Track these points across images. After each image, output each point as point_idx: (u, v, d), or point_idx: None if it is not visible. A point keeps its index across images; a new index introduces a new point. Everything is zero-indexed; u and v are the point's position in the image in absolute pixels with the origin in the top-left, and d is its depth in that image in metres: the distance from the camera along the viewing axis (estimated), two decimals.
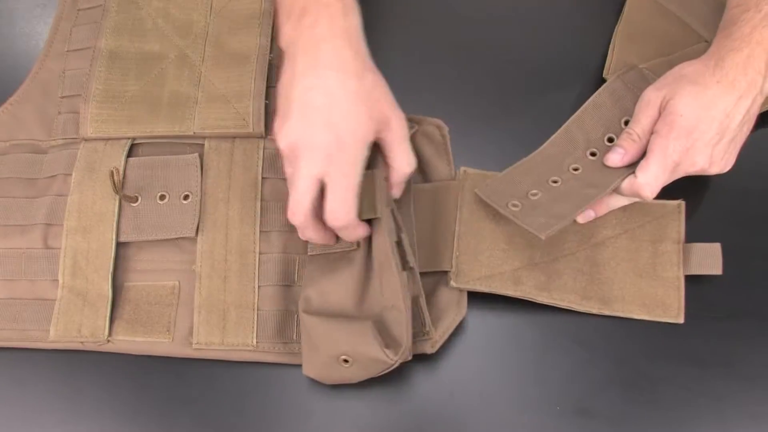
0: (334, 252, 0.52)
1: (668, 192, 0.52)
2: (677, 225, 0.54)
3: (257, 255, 0.54)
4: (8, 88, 0.65)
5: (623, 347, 0.52)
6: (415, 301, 0.49)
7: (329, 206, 0.48)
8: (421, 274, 0.52)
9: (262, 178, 0.56)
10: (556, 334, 0.53)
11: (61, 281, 0.54)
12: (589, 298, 0.52)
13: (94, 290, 0.54)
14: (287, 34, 0.51)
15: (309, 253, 0.53)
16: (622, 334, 0.53)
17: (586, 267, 0.53)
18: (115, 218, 0.55)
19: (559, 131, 0.57)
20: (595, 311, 0.52)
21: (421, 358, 0.52)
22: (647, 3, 0.62)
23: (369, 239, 0.51)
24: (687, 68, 0.52)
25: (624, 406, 0.51)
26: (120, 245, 0.55)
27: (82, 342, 0.53)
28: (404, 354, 0.48)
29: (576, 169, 0.55)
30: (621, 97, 0.57)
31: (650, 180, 0.50)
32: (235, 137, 0.58)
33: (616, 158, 0.53)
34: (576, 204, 0.52)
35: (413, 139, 0.56)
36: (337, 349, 0.48)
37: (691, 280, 0.53)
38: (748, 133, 0.53)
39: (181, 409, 0.52)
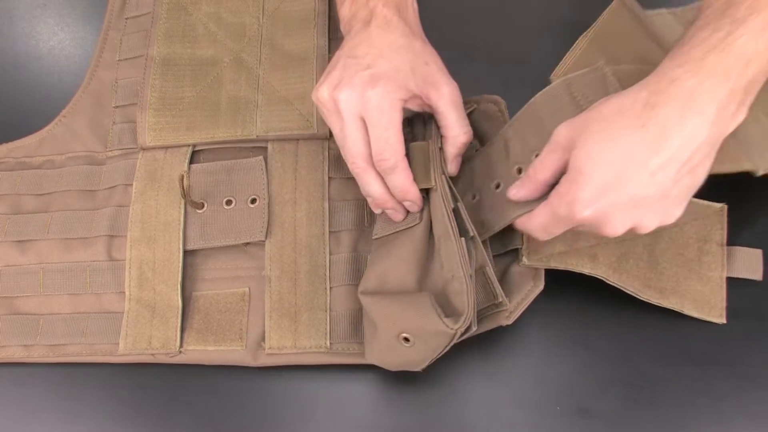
0: (397, 231, 0.51)
1: (712, 194, 0.51)
2: (720, 228, 0.54)
3: (327, 255, 0.54)
4: (9, 88, 0.66)
5: (623, 347, 0.52)
6: (481, 271, 0.48)
7: (374, 147, 0.48)
8: (496, 256, 0.51)
9: (329, 178, 0.56)
10: (556, 334, 0.53)
11: (127, 293, 0.54)
12: (649, 287, 0.52)
13: (163, 301, 0.53)
14: (344, 14, 0.52)
15: (373, 237, 0.52)
16: (622, 334, 0.53)
17: (645, 255, 0.52)
18: (181, 226, 0.54)
19: (500, 132, 0.50)
20: (654, 301, 0.52)
21: None
22: (627, 17, 0.55)
23: (429, 210, 0.50)
24: (609, 103, 0.40)
25: (624, 406, 0.51)
26: (186, 254, 0.54)
27: (153, 354, 0.52)
28: (465, 323, 0.45)
29: (497, 186, 0.49)
30: (560, 108, 0.47)
31: (536, 230, 0.44)
32: (298, 139, 0.57)
33: (512, 191, 0.46)
34: (482, 229, 0.49)
35: (472, 119, 0.54)
36: (396, 326, 0.46)
37: None
38: (703, 177, 0.41)
39: (180, 409, 0.52)
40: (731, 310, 0.53)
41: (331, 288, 0.53)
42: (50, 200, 0.57)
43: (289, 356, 0.52)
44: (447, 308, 0.46)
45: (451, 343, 0.46)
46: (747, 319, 0.53)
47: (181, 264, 0.54)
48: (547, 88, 0.49)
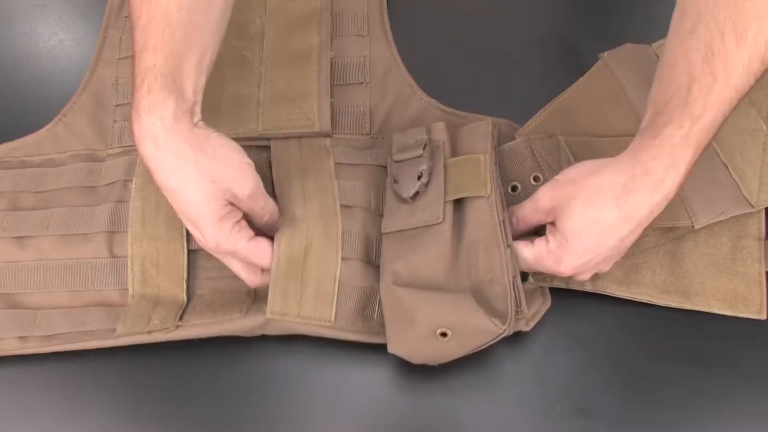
0: (413, 228, 0.51)
1: None
2: (758, 222, 0.54)
3: (339, 225, 0.52)
4: (8, 88, 0.66)
5: (623, 347, 0.52)
6: (512, 279, 0.49)
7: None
8: None
9: (336, 163, 0.55)
10: (556, 334, 0.53)
11: (131, 291, 0.53)
12: (668, 292, 0.53)
13: (168, 296, 0.53)
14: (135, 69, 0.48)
15: (384, 231, 0.52)
16: (622, 334, 0.53)
17: (666, 260, 0.53)
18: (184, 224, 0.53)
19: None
20: (674, 305, 0.52)
21: None
22: (607, 79, 0.58)
23: (454, 212, 0.51)
24: (589, 182, 0.47)
25: (624, 406, 0.51)
26: (190, 253, 0.54)
27: (149, 332, 0.51)
28: (510, 326, 0.47)
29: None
30: (520, 161, 0.56)
31: (520, 261, 0.51)
32: (301, 137, 0.57)
33: None
34: None
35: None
36: (436, 321, 0.46)
37: None
38: None
39: (181, 409, 0.52)
40: None
41: (343, 259, 0.51)
42: (50, 197, 0.57)
43: (290, 325, 0.50)
44: (485, 307, 0.47)
45: (488, 344, 0.48)
46: (747, 319, 0.53)
47: (186, 261, 0.53)
48: (512, 143, 0.56)
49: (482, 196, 0.50)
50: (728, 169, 0.53)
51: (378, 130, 0.59)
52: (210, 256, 0.54)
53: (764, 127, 0.55)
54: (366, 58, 0.62)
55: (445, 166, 0.52)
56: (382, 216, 0.54)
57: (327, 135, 0.57)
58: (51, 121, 0.61)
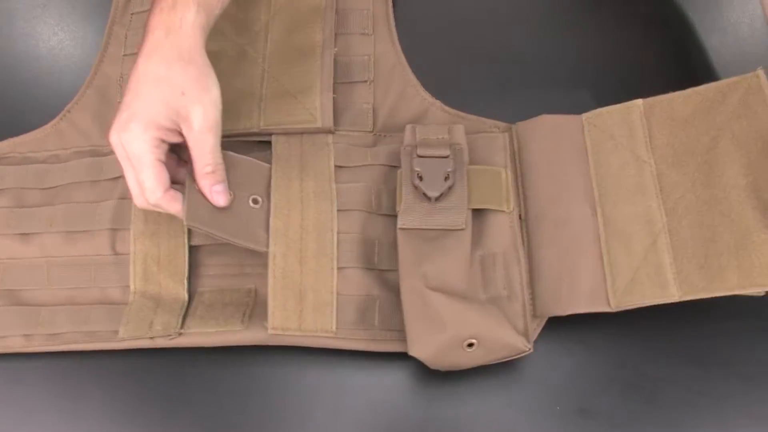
0: (434, 229, 0.51)
1: None
2: None
3: (335, 234, 0.52)
4: (8, 88, 0.65)
5: (623, 347, 0.52)
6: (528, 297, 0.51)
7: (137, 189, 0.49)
8: None
9: (336, 166, 0.55)
10: (556, 334, 0.53)
11: (132, 288, 0.53)
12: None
13: (169, 295, 0.53)
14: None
15: (401, 227, 0.51)
16: (622, 334, 0.53)
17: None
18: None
19: None
20: None
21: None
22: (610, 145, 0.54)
23: (474, 224, 0.51)
24: None
25: (624, 406, 0.51)
26: (191, 250, 0.54)
27: (152, 338, 0.51)
28: (531, 346, 0.49)
29: None
30: None
31: None
32: (303, 133, 0.57)
33: None
34: None
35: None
36: (467, 330, 0.47)
37: None
38: None
39: (181, 409, 0.52)
40: (731, 311, 0.53)
41: (339, 269, 0.52)
42: (55, 194, 0.57)
43: (293, 338, 0.51)
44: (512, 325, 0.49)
45: (506, 359, 0.49)
46: (747, 319, 0.53)
47: (186, 259, 0.53)
48: None
49: (503, 211, 0.51)
50: (602, 261, 0.50)
51: (381, 128, 0.59)
52: (212, 253, 0.55)
53: (664, 218, 0.49)
54: (370, 57, 0.62)
55: (467, 172, 0.52)
56: (384, 215, 0.54)
57: (329, 131, 0.57)
58: (52, 120, 0.61)
